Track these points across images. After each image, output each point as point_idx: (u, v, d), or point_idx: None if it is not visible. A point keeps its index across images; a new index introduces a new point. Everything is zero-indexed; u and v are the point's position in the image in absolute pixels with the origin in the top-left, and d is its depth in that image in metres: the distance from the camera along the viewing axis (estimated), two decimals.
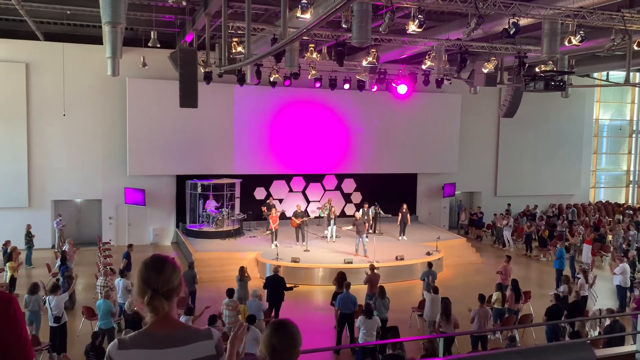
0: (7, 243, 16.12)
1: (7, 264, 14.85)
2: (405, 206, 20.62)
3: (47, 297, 11.05)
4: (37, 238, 18.70)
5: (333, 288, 13.11)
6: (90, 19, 17.59)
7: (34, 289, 11.26)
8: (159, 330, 2.39)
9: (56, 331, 10.90)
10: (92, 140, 20.76)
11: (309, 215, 20.09)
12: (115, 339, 2.44)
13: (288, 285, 13.15)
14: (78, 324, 12.73)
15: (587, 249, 18.47)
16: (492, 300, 12.63)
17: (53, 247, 20.19)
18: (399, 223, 20.48)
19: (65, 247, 16.80)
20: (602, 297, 15.51)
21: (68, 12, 16.60)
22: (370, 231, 19.52)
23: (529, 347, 6.20)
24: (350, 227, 18.30)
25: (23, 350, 2.28)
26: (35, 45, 19.73)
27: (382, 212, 20.88)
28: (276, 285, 12.83)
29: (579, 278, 16.83)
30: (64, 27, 19.36)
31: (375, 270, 13.84)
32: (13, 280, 14.62)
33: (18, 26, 19.01)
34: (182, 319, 11.00)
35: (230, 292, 11.68)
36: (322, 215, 20.83)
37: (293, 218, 19.14)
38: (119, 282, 12.73)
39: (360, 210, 19.52)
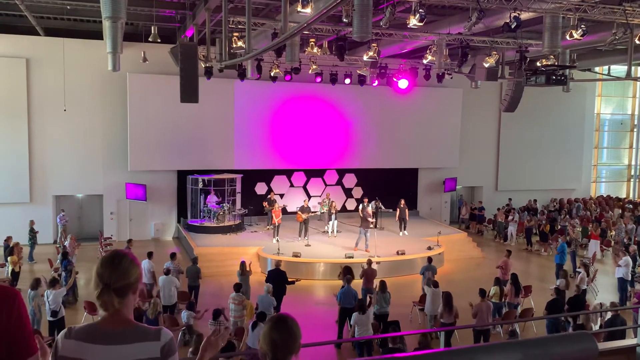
0: (8, 239, 16.15)
1: (9, 258, 14.90)
2: (403, 202, 20.58)
3: (46, 292, 11.11)
4: (39, 233, 18.74)
5: (334, 282, 13.16)
6: (90, 13, 17.57)
7: (35, 284, 11.31)
8: (107, 326, 2.36)
9: (54, 325, 10.96)
10: (93, 136, 20.76)
11: (313, 212, 20.04)
12: (67, 327, 2.43)
13: (289, 280, 13.20)
14: (80, 318, 12.79)
15: (593, 244, 18.44)
16: (490, 294, 12.66)
17: (55, 242, 20.23)
18: (397, 219, 20.48)
19: (67, 243, 16.85)
20: (603, 291, 15.54)
21: (68, 7, 16.59)
22: (371, 226, 19.45)
23: (531, 338, 6.22)
24: (360, 210, 18.16)
25: (27, 344, 2.29)
26: (35, 41, 19.71)
27: (382, 207, 20.85)
28: (278, 279, 12.89)
29: (579, 272, 16.89)
30: (64, 22, 19.33)
31: (373, 265, 13.87)
32: (15, 274, 14.67)
33: (18, 21, 19.00)
34: (184, 313, 11.08)
35: (237, 287, 11.76)
36: (322, 210, 20.84)
37: (299, 212, 19.12)
38: None
39: (361, 205, 19.42)
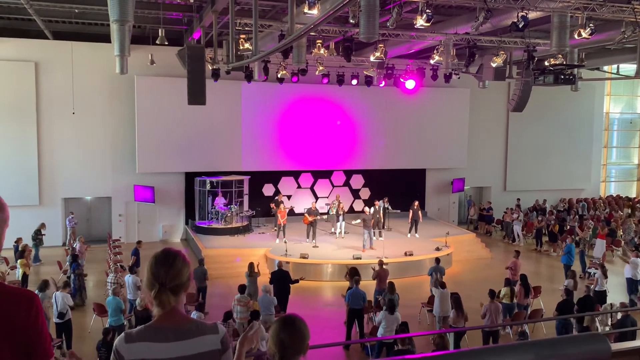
0: (18, 240, 16.27)
1: (19, 261, 15.01)
2: (417, 203, 20.47)
3: (55, 293, 11.17)
4: (48, 236, 18.87)
5: (342, 284, 13.14)
6: (98, 17, 17.66)
7: (44, 286, 11.37)
8: (165, 324, 2.39)
9: (61, 327, 11.03)
10: (101, 138, 20.87)
11: (322, 214, 20.00)
12: (123, 333, 2.45)
13: (293, 279, 13.21)
14: (89, 320, 12.84)
15: (600, 243, 18.32)
16: (501, 295, 12.59)
17: (64, 244, 20.35)
18: (410, 220, 20.38)
19: (76, 245, 16.94)
20: (612, 291, 15.41)
21: (76, 10, 16.69)
22: (377, 229, 19.30)
23: (543, 339, 6.18)
24: (358, 222, 18.27)
25: (44, 347, 2.28)
26: (44, 44, 19.84)
27: (390, 207, 20.78)
28: (282, 280, 12.90)
29: (589, 273, 16.76)
30: (72, 26, 19.46)
31: (384, 266, 13.82)
32: (25, 277, 14.78)
33: (27, 25, 19.14)
34: (194, 315, 11.09)
35: (242, 288, 11.78)
36: (330, 212, 20.81)
37: (306, 215, 19.10)
38: (128, 278, 12.81)
39: (372, 208, 19.28)
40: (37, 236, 18.42)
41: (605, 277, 13.87)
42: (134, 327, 11.06)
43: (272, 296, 11.87)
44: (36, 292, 11.12)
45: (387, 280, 12.91)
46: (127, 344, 2.36)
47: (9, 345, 2.18)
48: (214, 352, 2.41)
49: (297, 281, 13.24)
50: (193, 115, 20.00)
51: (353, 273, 12.58)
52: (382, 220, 19.79)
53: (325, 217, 20.39)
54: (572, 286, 12.87)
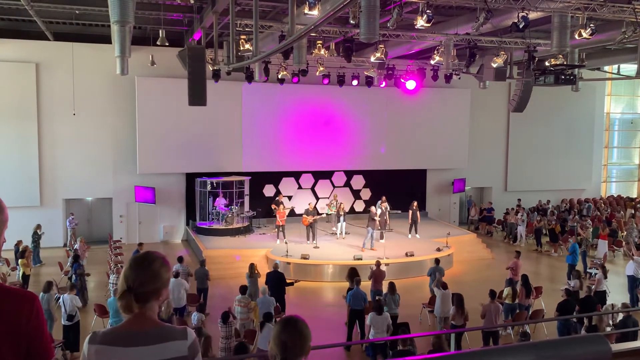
0: (19, 242, 16.29)
1: (20, 261, 15.02)
2: (415, 203, 20.46)
3: (62, 296, 11.18)
4: (49, 236, 18.88)
5: (342, 284, 13.14)
6: (99, 18, 17.68)
7: (47, 287, 11.39)
8: (130, 327, 2.33)
9: (69, 329, 11.03)
10: (102, 139, 20.89)
11: (320, 214, 20.00)
12: (91, 332, 2.40)
13: (288, 281, 13.21)
14: (90, 321, 12.84)
15: (602, 244, 18.29)
16: (503, 295, 12.59)
17: (65, 245, 20.36)
18: (410, 220, 20.36)
19: (77, 246, 16.95)
20: (613, 291, 15.40)
21: (77, 11, 16.70)
22: (383, 230, 19.26)
23: (544, 340, 6.18)
24: (374, 214, 18.07)
25: (45, 348, 2.30)
26: (44, 45, 19.85)
27: (389, 208, 20.76)
28: (276, 281, 12.91)
29: (590, 273, 16.75)
30: (73, 27, 19.46)
31: (381, 267, 13.82)
32: (26, 277, 14.80)
33: (28, 26, 19.15)
34: (194, 315, 11.11)
35: (243, 289, 11.78)
36: (329, 212, 20.80)
37: (305, 216, 19.10)
38: None
39: (379, 209, 19.12)
40: (35, 237, 18.41)
41: (605, 277, 13.86)
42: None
43: (271, 297, 11.87)
44: (40, 294, 11.22)
45: (387, 281, 12.89)
46: (90, 345, 2.30)
47: (10, 346, 2.20)
48: (179, 359, 2.32)
49: (292, 283, 13.23)
50: (194, 116, 20.01)
51: (352, 274, 12.57)
52: (388, 222, 19.71)
53: (324, 215, 20.40)
54: (579, 286, 12.85)
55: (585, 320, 10.30)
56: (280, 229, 18.80)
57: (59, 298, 11.74)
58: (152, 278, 2.34)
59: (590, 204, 26.10)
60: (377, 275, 13.52)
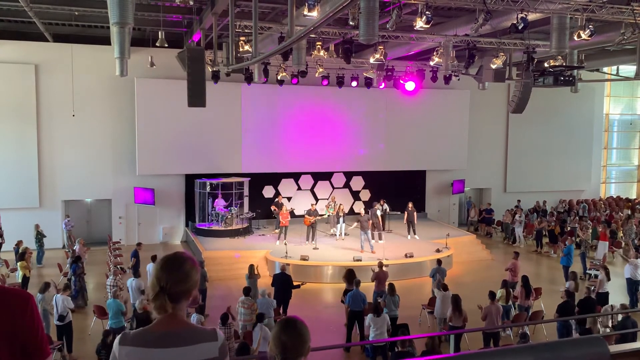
0: (19, 243, 16.28)
1: (19, 264, 15.00)
2: (411, 204, 20.43)
3: (55, 296, 11.18)
4: (48, 238, 18.85)
5: (342, 285, 13.12)
6: (98, 19, 17.69)
7: (45, 288, 11.37)
8: (162, 329, 2.36)
9: (62, 330, 11.04)
10: (101, 140, 20.88)
11: (321, 215, 20.00)
12: (122, 332, 2.43)
13: (295, 284, 13.17)
14: (89, 322, 12.84)
15: (602, 245, 18.28)
16: (497, 297, 12.59)
17: (63, 247, 20.35)
18: (405, 221, 20.38)
19: (76, 247, 16.94)
20: (612, 293, 15.39)
21: (76, 13, 16.70)
22: (376, 232, 19.24)
23: (542, 342, 6.19)
24: (356, 224, 18.26)
25: (40, 347, 2.30)
26: (44, 47, 19.85)
27: (388, 209, 20.77)
28: (284, 283, 12.88)
29: (589, 274, 16.74)
30: (72, 28, 19.48)
31: (384, 268, 13.81)
32: (26, 279, 14.78)
33: (27, 28, 19.15)
34: (194, 317, 11.10)
35: (246, 290, 11.78)
36: (328, 213, 20.80)
37: (307, 216, 19.10)
38: (131, 282, 12.78)
39: (369, 211, 19.17)
40: (39, 237, 18.40)
41: (609, 279, 13.85)
42: (134, 329, 11.14)
43: (271, 298, 11.86)
44: (37, 294, 11.20)
45: (387, 282, 12.90)
46: (121, 346, 2.34)
47: (6, 345, 2.20)
48: None
49: (298, 286, 13.20)
50: (193, 117, 20.01)
51: (350, 276, 12.54)
52: (380, 224, 19.72)
53: (325, 216, 20.40)
54: (574, 288, 12.86)
55: (574, 322, 10.31)
56: (283, 231, 18.80)
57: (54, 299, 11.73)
58: (184, 278, 2.38)
59: (586, 205, 26.09)
60: (380, 276, 13.50)
